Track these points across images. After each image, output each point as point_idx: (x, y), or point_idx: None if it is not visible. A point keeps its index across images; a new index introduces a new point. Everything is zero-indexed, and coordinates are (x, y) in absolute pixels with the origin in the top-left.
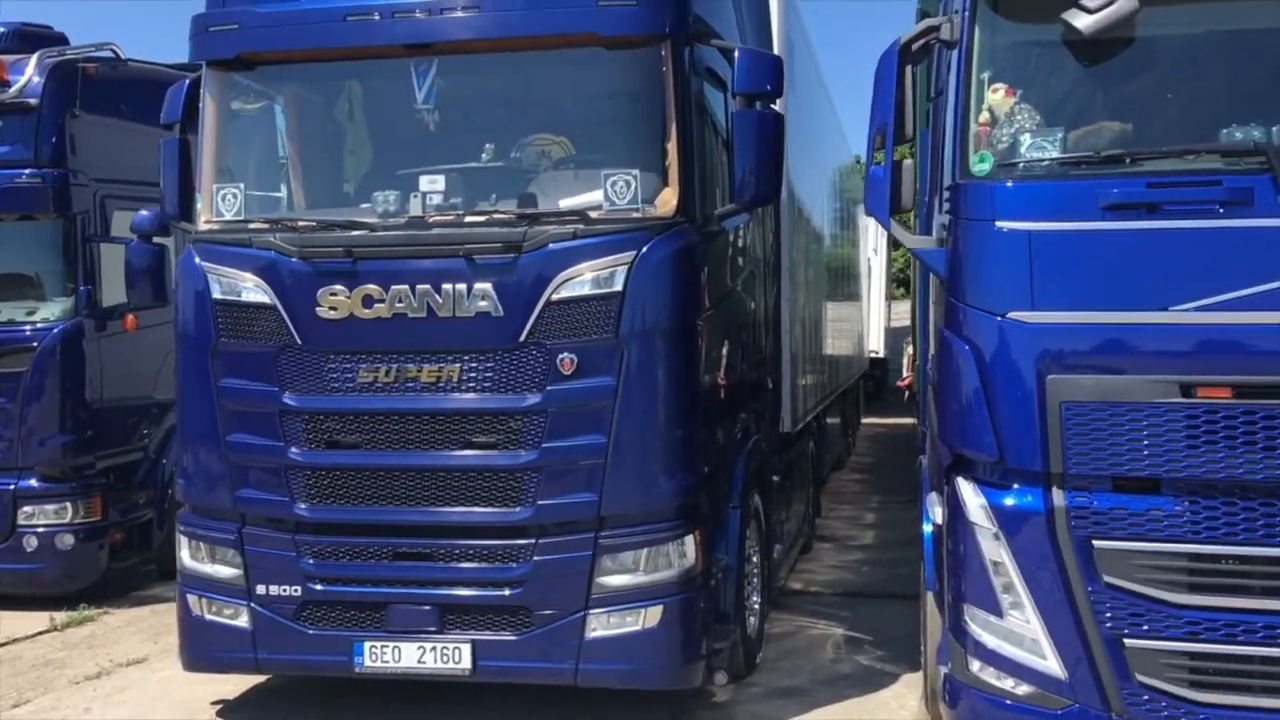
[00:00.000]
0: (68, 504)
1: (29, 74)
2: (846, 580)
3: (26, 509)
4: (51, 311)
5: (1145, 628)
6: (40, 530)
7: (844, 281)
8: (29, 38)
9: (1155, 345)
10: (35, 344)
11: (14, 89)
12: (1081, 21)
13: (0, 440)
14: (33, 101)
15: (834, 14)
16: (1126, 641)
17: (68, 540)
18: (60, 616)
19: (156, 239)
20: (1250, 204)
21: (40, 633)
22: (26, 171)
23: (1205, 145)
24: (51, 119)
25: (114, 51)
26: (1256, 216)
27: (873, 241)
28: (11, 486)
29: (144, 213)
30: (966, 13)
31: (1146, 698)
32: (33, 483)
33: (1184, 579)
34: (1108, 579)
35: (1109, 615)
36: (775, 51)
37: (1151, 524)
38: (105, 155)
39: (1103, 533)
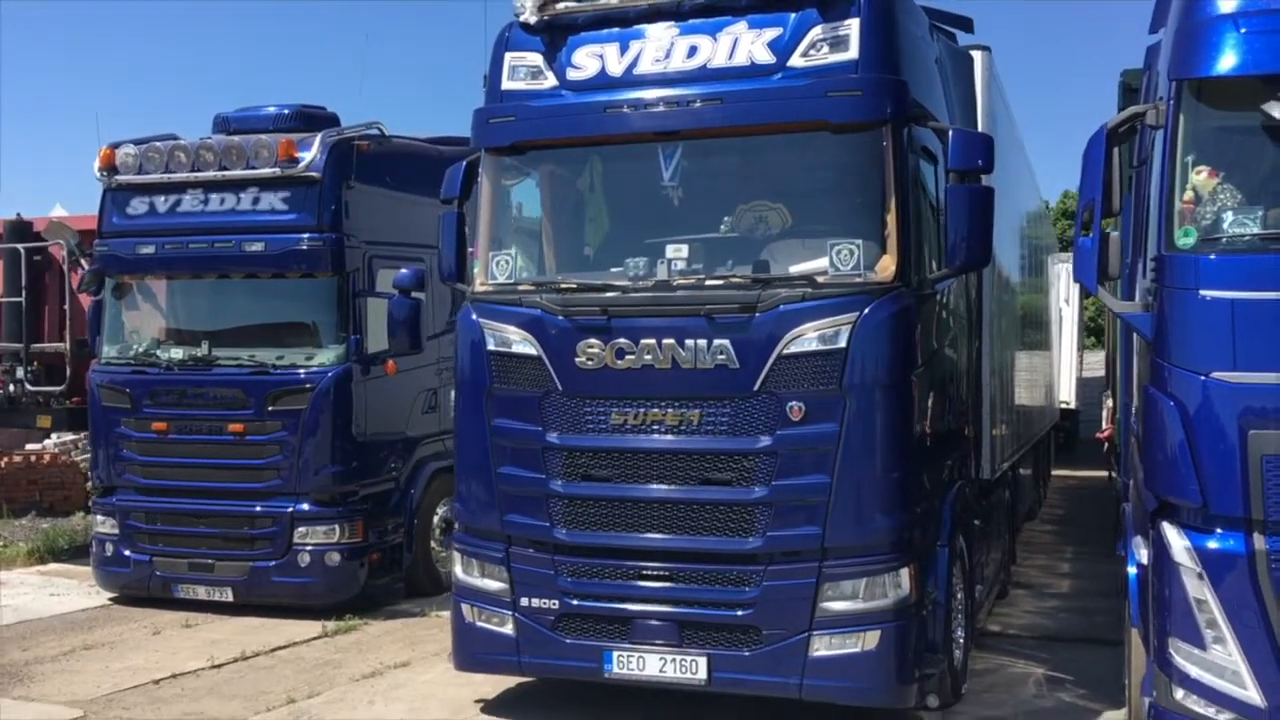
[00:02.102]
0: (335, 526)
1: (314, 151)
2: (1044, 625)
3: (301, 529)
4: (326, 357)
5: None
6: (311, 548)
7: (1034, 330)
8: (308, 117)
9: None
10: (313, 386)
11: (302, 164)
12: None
13: (281, 468)
14: (316, 175)
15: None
16: None
17: (335, 558)
18: (329, 625)
19: (414, 294)
20: None
21: (314, 638)
22: (309, 235)
23: None
24: (331, 189)
25: (380, 129)
26: None
27: (1064, 291)
28: (290, 509)
29: (404, 271)
30: (1172, 101)
31: None
32: (306, 506)
33: None
34: None
35: None
36: (979, 117)
37: None
38: (373, 220)
39: None
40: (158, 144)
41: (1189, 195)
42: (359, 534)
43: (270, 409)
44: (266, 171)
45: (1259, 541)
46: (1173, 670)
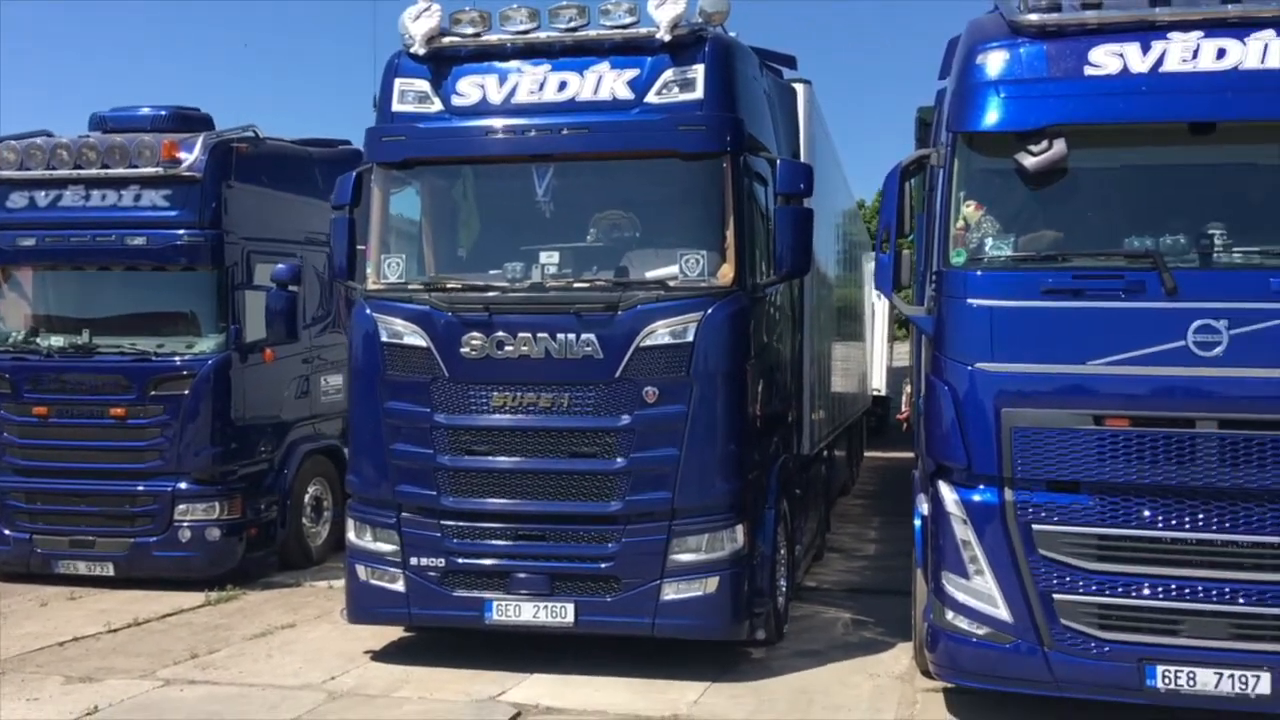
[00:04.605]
0: (215, 503)
1: (196, 152)
2: (852, 580)
3: (182, 506)
4: (206, 346)
5: (1067, 586)
6: (192, 524)
7: (849, 322)
8: (183, 118)
9: (1077, 388)
10: (193, 372)
11: (184, 164)
12: (1027, 161)
13: (162, 450)
14: (197, 175)
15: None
16: (1054, 596)
17: (215, 533)
18: (212, 595)
19: (291, 287)
20: (1143, 292)
21: (199, 606)
22: (191, 231)
23: (1113, 250)
24: (212, 189)
25: (255, 131)
26: (1146, 300)
27: None
28: (170, 488)
29: (282, 266)
30: (949, 148)
31: (1068, 635)
32: (186, 485)
33: (1095, 552)
34: (1042, 552)
35: (1042, 577)
36: (801, 140)
37: (1073, 513)
38: (250, 217)
39: (1039, 519)
40: (38, 141)
41: (961, 223)
42: (238, 511)
43: (152, 394)
44: (149, 170)
45: (1009, 495)
46: (945, 597)
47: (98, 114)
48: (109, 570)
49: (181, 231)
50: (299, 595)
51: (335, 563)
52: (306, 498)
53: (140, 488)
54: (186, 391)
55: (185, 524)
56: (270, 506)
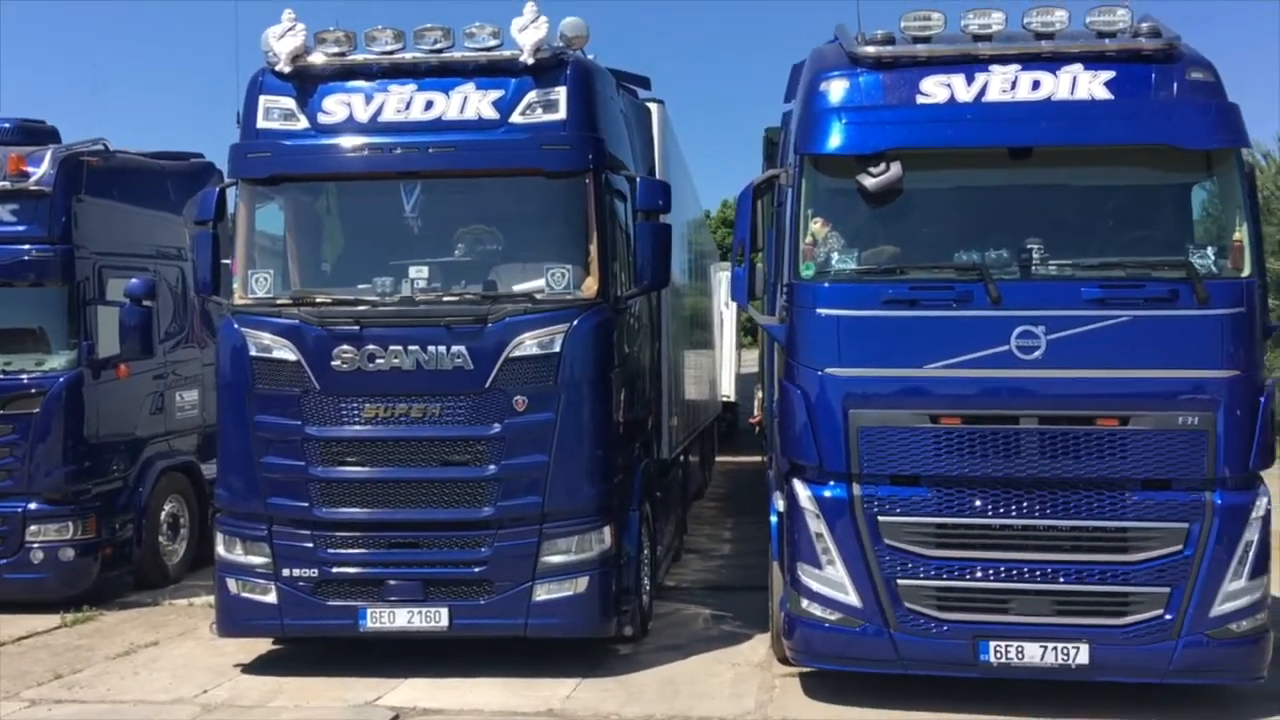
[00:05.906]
0: (69, 523)
1: (45, 166)
2: (710, 579)
3: (33, 527)
4: (57, 363)
5: (909, 571)
6: (44, 545)
7: (700, 330)
8: (30, 132)
9: (915, 389)
10: (42, 390)
11: (32, 179)
12: (867, 181)
13: (12, 470)
14: (47, 189)
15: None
16: (898, 581)
17: (69, 554)
18: (68, 616)
19: (145, 302)
20: (971, 301)
21: (55, 628)
22: (41, 247)
23: (945, 264)
24: (61, 203)
25: (105, 144)
26: (975, 309)
27: (725, 295)
28: (21, 509)
29: (135, 281)
30: (797, 169)
31: (910, 616)
32: (37, 505)
33: (933, 539)
34: (887, 541)
35: (887, 564)
36: (656, 157)
37: (914, 505)
38: (102, 232)
39: (884, 511)
40: None
41: (809, 239)
42: (92, 530)
43: (0, 413)
44: None
45: (857, 489)
46: (800, 587)
47: None
48: None
49: (29, 246)
50: (159, 614)
51: (193, 580)
52: (163, 515)
53: None
54: (37, 410)
55: (37, 545)
56: (125, 525)
